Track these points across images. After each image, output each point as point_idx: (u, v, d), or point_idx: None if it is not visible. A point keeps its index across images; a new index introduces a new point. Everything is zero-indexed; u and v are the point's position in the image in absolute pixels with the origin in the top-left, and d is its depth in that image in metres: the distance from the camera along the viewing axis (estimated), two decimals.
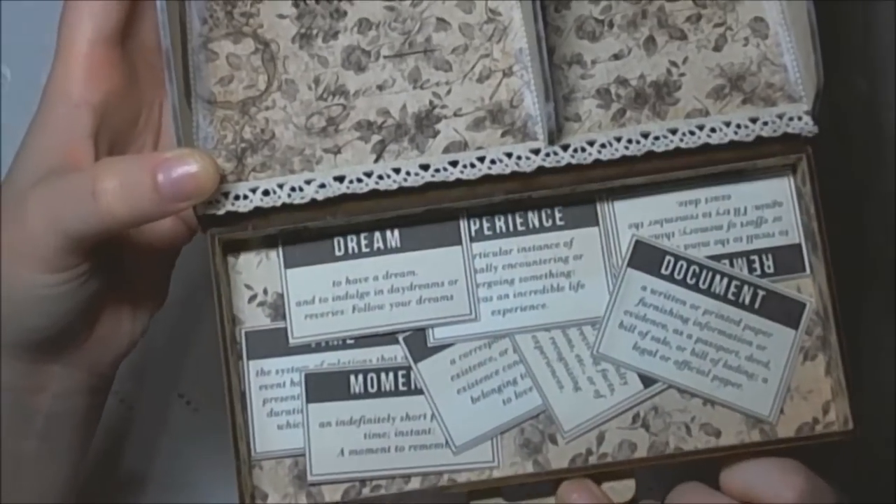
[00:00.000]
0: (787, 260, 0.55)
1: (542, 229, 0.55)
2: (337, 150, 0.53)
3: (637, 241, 0.54)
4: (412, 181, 0.53)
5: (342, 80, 0.54)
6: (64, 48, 0.53)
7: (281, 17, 0.55)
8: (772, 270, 0.55)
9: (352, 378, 0.54)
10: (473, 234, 0.55)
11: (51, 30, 0.66)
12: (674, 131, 0.54)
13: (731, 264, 0.55)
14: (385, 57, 0.54)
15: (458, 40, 0.55)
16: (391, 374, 0.54)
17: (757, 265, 0.55)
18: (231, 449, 0.52)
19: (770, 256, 0.55)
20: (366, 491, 0.53)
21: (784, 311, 0.55)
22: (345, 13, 0.55)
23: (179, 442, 0.69)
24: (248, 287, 0.54)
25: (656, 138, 0.54)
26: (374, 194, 0.53)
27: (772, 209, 0.55)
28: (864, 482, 0.77)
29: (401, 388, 0.54)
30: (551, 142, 0.53)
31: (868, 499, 0.75)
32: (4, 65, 0.67)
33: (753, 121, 0.54)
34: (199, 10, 0.54)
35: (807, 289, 0.55)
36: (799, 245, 0.55)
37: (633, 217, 0.55)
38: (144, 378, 0.68)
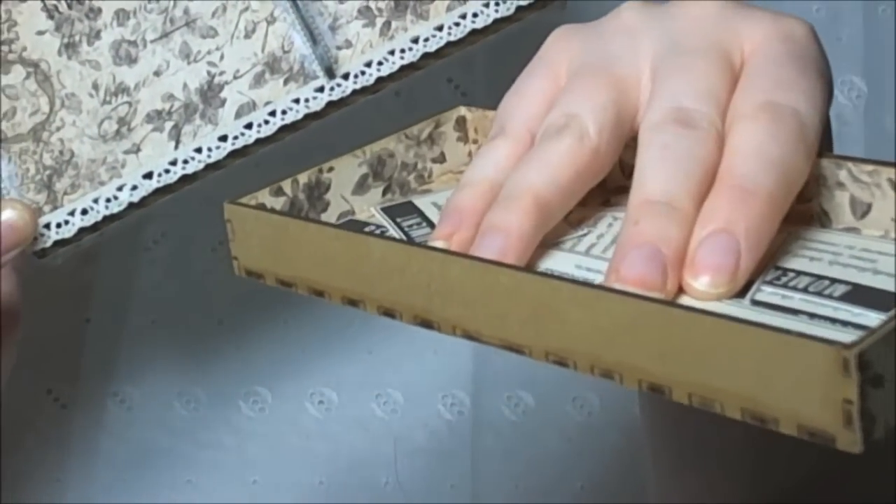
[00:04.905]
0: None
1: None
2: (137, 149, 0.55)
3: None
4: (216, 155, 0.55)
5: (119, 78, 0.55)
6: None
7: (40, 33, 0.55)
8: None
9: None
10: None
11: None
12: (440, 28, 0.56)
13: None
14: (152, 42, 0.56)
15: (215, 2, 0.56)
16: None
17: None
18: None
19: None
20: None
21: None
22: (100, 10, 0.56)
23: None
24: None
25: (426, 40, 0.56)
26: (185, 179, 0.55)
27: None
28: None
29: None
30: (331, 76, 0.55)
31: None
32: None
33: None
34: None
35: None
36: None
37: None
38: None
